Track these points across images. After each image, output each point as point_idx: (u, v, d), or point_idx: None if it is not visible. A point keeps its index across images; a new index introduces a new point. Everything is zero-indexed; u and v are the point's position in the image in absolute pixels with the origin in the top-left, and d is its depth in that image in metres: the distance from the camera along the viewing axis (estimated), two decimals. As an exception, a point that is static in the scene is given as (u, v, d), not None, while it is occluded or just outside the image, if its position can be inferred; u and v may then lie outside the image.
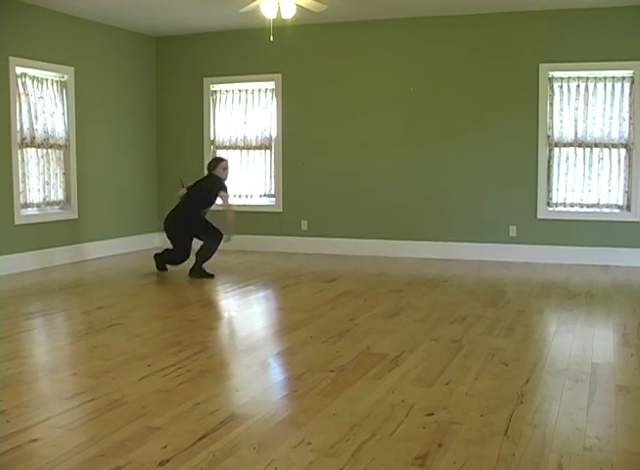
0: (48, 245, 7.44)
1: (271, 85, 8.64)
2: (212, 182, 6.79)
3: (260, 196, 8.87)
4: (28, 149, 7.25)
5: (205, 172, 7.15)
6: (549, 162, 7.69)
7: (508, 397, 3.33)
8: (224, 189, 6.76)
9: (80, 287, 6.35)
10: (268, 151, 8.77)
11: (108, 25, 8.18)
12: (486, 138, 7.84)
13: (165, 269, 7.01)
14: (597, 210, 7.56)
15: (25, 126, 7.16)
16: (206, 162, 8.92)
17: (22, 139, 7.13)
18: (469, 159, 7.92)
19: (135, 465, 2.56)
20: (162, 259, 6.98)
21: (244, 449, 2.71)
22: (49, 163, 7.54)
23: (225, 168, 6.89)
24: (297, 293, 5.95)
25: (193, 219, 6.77)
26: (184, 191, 6.98)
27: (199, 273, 6.75)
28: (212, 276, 6.73)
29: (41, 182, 7.45)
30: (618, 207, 7.51)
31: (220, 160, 7.00)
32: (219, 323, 5.22)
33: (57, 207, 7.69)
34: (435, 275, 6.94)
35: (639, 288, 6.34)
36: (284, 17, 6.55)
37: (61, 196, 7.72)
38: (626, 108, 7.38)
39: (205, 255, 6.77)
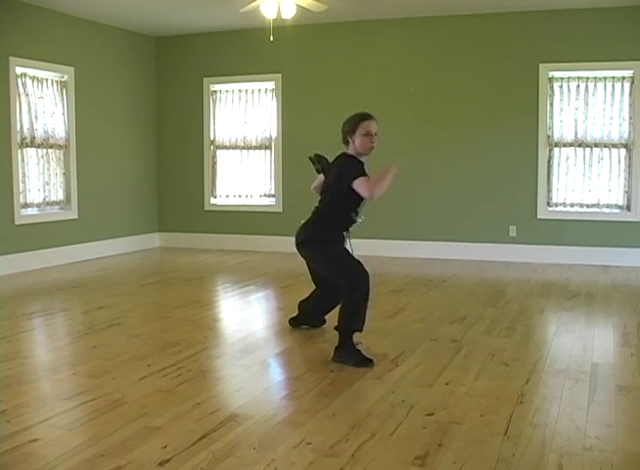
0: (48, 245, 7.44)
1: (271, 85, 8.64)
2: (342, 166, 4.12)
3: (260, 196, 8.87)
4: (28, 149, 7.25)
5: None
6: (549, 162, 7.69)
7: (508, 397, 3.33)
8: (361, 174, 4.03)
9: (80, 287, 6.35)
10: (268, 151, 8.77)
11: (108, 25, 8.18)
12: (486, 138, 7.84)
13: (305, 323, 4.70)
14: (597, 210, 7.56)
15: (25, 126, 7.16)
16: (207, 161, 9.01)
17: (23, 139, 7.13)
18: (469, 158, 7.92)
19: (135, 465, 2.56)
20: (306, 312, 4.65)
21: (244, 449, 2.71)
22: (49, 163, 7.54)
23: (368, 133, 4.10)
24: (296, 293, 5.93)
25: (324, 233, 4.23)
26: (320, 179, 4.37)
27: (349, 356, 3.90)
28: (372, 362, 3.86)
29: (41, 182, 7.45)
30: (618, 207, 7.50)
31: (359, 118, 4.13)
32: (219, 323, 5.22)
33: (57, 207, 7.69)
34: (435, 275, 6.93)
35: (639, 288, 6.34)
36: (284, 17, 6.56)
37: (61, 196, 7.72)
38: (626, 108, 7.38)
39: (347, 314, 3.99)
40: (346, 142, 4.18)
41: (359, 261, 4.09)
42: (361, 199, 4.14)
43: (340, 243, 4.26)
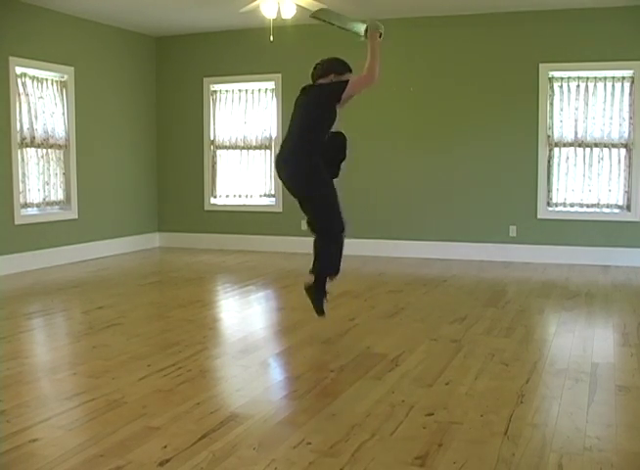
0: (48, 245, 7.44)
1: (271, 85, 8.64)
2: (326, 85, 4.31)
3: (260, 196, 8.87)
4: (28, 149, 7.25)
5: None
6: (549, 162, 7.69)
7: (508, 397, 3.33)
8: (348, 77, 4.26)
9: (80, 287, 6.35)
10: (268, 151, 8.77)
11: (108, 25, 8.18)
12: (486, 138, 7.84)
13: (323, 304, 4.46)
14: (597, 210, 7.56)
15: (25, 126, 7.16)
16: (207, 161, 9.01)
17: (22, 139, 7.13)
18: (469, 158, 7.92)
19: (135, 465, 2.56)
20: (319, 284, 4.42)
21: (244, 449, 2.71)
22: (49, 163, 7.54)
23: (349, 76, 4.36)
24: (296, 293, 5.94)
25: (313, 151, 4.25)
26: None
27: (316, 295, 4.34)
28: (322, 314, 4.39)
29: (41, 182, 7.45)
30: (618, 207, 7.50)
31: (349, 68, 4.41)
32: (219, 323, 5.22)
33: (57, 207, 7.69)
34: (435, 275, 6.93)
35: (639, 288, 6.34)
36: (284, 17, 6.56)
37: (61, 196, 7.72)
38: (626, 108, 7.38)
39: (323, 259, 4.33)
40: (324, 76, 4.36)
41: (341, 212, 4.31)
42: (334, 118, 4.25)
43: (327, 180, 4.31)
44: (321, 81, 4.37)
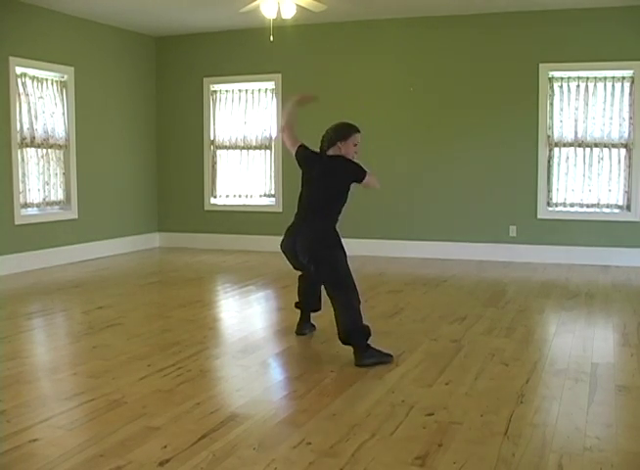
0: (48, 245, 7.44)
1: (271, 85, 8.64)
2: (347, 165, 4.26)
3: (260, 196, 8.87)
4: (28, 149, 7.25)
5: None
6: (549, 162, 7.69)
7: (508, 397, 3.33)
8: (365, 170, 4.24)
9: (80, 287, 6.35)
10: (268, 151, 8.77)
11: (108, 25, 8.18)
12: (486, 138, 7.84)
13: (310, 327, 4.61)
14: (597, 210, 7.56)
15: (25, 126, 7.16)
16: (207, 161, 9.01)
17: (22, 139, 7.13)
18: (469, 158, 7.91)
19: (135, 465, 2.56)
20: (307, 303, 4.61)
21: (244, 449, 2.71)
22: (49, 163, 7.54)
23: (356, 144, 4.33)
24: (296, 293, 5.95)
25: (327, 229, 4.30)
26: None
27: (370, 356, 3.90)
28: (391, 357, 3.95)
29: (41, 182, 7.45)
30: (618, 207, 7.50)
31: (355, 130, 4.34)
32: (219, 323, 5.22)
33: (57, 207, 7.69)
34: (435, 275, 6.93)
35: (639, 288, 6.34)
36: (284, 17, 6.55)
37: (61, 196, 7.72)
38: (626, 108, 7.38)
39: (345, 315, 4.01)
40: (332, 145, 4.33)
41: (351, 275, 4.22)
42: (348, 193, 4.35)
43: (341, 245, 4.31)
44: (331, 152, 4.35)
